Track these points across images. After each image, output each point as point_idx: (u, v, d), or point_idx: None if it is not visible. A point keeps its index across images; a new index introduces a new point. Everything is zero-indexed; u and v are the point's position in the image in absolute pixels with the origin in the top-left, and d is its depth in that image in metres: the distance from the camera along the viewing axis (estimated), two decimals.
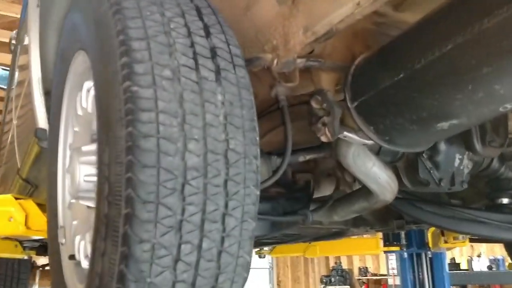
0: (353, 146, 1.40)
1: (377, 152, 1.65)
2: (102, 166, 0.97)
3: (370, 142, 1.29)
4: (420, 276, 4.32)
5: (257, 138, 1.00)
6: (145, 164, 0.86)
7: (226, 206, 0.93)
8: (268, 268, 12.17)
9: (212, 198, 0.92)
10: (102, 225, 0.93)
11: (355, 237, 4.96)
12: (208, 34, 1.03)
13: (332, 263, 11.81)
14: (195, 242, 0.90)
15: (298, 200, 1.79)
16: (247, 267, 0.98)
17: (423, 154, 1.67)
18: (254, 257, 5.17)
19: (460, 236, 3.50)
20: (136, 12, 0.98)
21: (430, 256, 4.23)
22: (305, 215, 1.61)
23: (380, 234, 4.58)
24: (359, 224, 2.73)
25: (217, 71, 0.99)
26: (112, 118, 0.93)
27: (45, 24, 1.78)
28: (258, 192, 0.98)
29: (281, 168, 1.36)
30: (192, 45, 0.99)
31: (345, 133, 1.28)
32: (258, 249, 4.82)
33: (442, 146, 1.65)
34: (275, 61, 1.26)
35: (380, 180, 1.55)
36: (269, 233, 1.65)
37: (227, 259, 0.94)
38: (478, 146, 1.59)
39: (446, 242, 3.68)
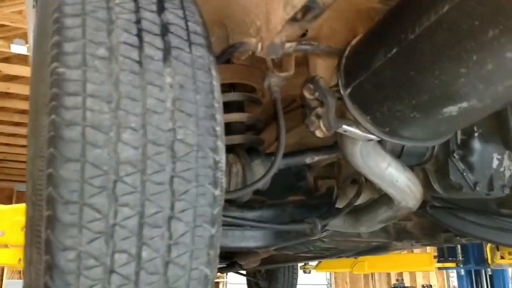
0: (358, 143, 1.21)
1: (400, 153, 1.44)
2: (28, 161, 0.84)
3: (374, 137, 1.10)
4: None
5: (217, 128, 0.85)
6: (68, 157, 0.73)
7: (172, 208, 0.78)
8: (326, 285, 11.80)
9: (153, 199, 0.77)
10: (28, 230, 0.81)
11: (418, 251, 4.65)
12: (161, 10, 0.89)
13: (393, 280, 11.25)
14: (132, 251, 0.75)
15: (314, 208, 1.60)
16: (205, 281, 0.82)
17: (455, 154, 1.44)
18: (302, 273, 4.95)
19: None
20: None
21: (490, 273, 3.85)
22: (313, 224, 1.41)
23: (434, 249, 4.26)
24: (403, 237, 2.51)
25: (167, 50, 0.84)
26: (38, 105, 0.81)
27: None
28: (217, 192, 0.82)
29: (272, 169, 1.18)
30: (139, 21, 0.85)
31: (344, 126, 1.09)
32: (302, 263, 4.61)
33: (476, 144, 1.42)
34: (259, 45, 1.11)
35: (398, 183, 1.33)
36: (273, 244, 1.46)
37: (176, 271, 0.79)
38: None
39: (502, 257, 3.31)
